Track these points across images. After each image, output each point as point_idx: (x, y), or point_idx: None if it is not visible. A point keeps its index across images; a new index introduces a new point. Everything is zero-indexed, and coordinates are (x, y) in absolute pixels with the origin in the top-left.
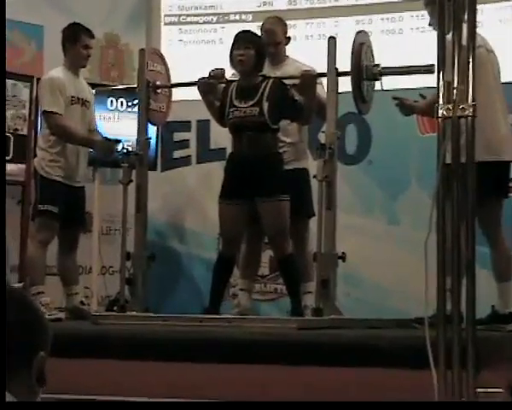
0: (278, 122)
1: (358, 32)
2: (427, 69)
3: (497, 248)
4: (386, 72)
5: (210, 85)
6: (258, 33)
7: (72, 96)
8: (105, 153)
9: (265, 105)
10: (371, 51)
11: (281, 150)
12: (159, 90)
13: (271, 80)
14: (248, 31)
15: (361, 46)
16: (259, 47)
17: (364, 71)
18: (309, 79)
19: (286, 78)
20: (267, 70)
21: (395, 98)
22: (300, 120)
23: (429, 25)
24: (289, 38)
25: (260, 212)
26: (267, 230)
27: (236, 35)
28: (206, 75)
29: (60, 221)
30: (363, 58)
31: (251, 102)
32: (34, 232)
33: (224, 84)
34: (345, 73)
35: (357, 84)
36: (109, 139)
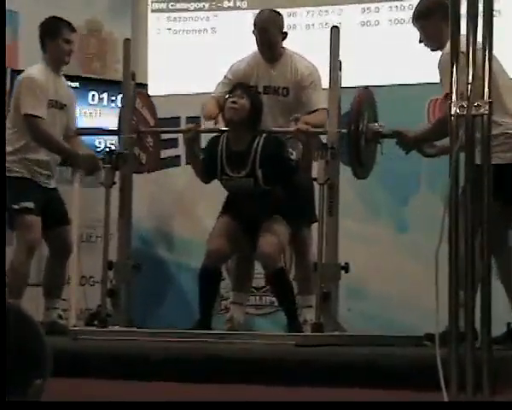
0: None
1: (364, 88)
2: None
3: (504, 257)
4: (388, 135)
5: (197, 134)
6: (253, 22)
7: (50, 100)
8: (88, 168)
9: (259, 173)
10: (374, 109)
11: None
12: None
13: (263, 138)
14: (247, 84)
15: (360, 104)
16: (256, 102)
17: (363, 132)
18: (303, 136)
19: (280, 132)
20: (262, 69)
21: (395, 133)
22: (296, 180)
23: (420, 42)
24: (286, 34)
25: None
26: (260, 241)
27: (235, 84)
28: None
29: (40, 218)
30: (363, 118)
31: (243, 172)
32: (18, 237)
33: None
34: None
35: (354, 147)
36: (92, 154)
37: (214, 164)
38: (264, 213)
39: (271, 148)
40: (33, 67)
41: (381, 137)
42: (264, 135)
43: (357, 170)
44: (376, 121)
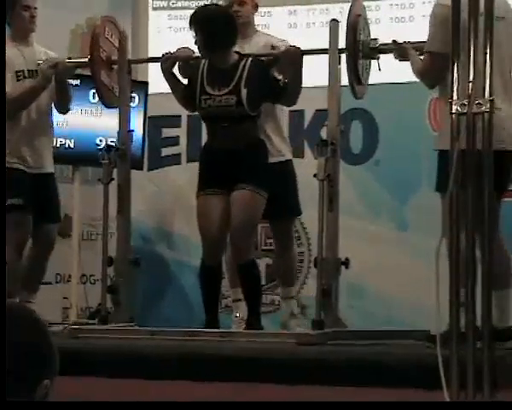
0: (259, 108)
1: (354, 1)
2: None
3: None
4: (385, 49)
5: (175, 62)
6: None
7: (18, 71)
8: (61, 73)
9: (243, 92)
10: (368, 25)
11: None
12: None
13: (249, 60)
14: (197, 10)
15: (358, 18)
16: (209, 28)
17: (361, 47)
18: (293, 55)
19: (265, 55)
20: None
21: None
22: (284, 102)
23: None
24: (257, 6)
25: (230, 201)
26: (232, 221)
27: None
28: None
29: (31, 214)
30: (360, 32)
31: (226, 90)
32: (6, 236)
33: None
34: (340, 51)
35: (352, 63)
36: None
37: (195, 86)
38: (242, 165)
39: (258, 67)
40: None
41: (378, 53)
42: (250, 58)
43: (357, 89)
44: (370, 36)
